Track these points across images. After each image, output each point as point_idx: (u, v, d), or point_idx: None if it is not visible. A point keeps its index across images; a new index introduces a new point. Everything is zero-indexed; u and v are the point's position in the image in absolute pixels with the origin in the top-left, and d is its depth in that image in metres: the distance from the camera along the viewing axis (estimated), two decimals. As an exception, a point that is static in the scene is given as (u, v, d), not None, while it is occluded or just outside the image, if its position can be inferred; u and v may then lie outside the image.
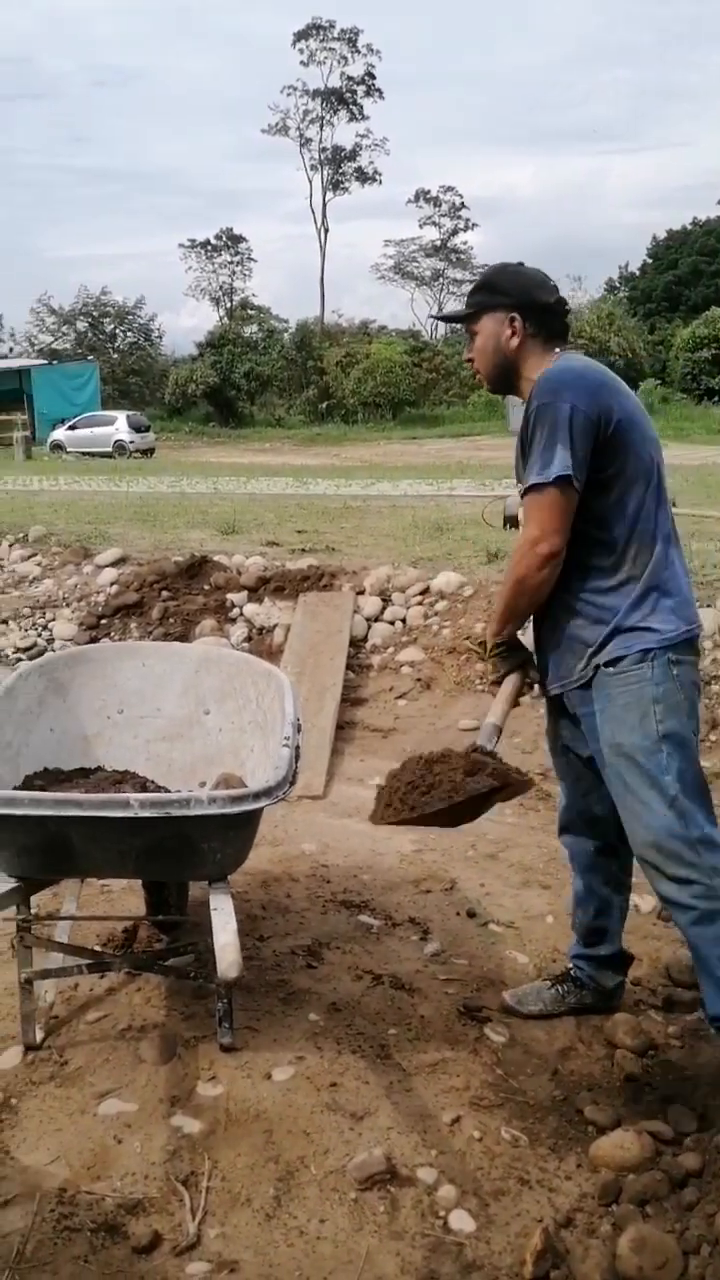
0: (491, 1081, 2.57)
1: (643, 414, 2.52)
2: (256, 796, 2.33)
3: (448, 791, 2.33)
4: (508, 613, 2.58)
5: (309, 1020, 2.72)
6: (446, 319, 2.94)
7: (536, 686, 2.72)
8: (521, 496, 2.48)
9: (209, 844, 2.39)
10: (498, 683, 2.71)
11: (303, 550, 8.02)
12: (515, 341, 2.55)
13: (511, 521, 8.81)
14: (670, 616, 2.44)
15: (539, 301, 2.56)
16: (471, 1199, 2.21)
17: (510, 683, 2.67)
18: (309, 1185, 2.21)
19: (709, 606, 5.82)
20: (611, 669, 2.46)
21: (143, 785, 2.87)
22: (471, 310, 2.61)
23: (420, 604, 6.73)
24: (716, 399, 36.84)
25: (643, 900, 3.56)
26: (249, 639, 6.71)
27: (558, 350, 2.57)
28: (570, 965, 2.89)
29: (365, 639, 6.53)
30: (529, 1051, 2.72)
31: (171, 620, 6.87)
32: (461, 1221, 2.15)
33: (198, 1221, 2.10)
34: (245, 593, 7.05)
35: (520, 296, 2.56)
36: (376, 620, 6.68)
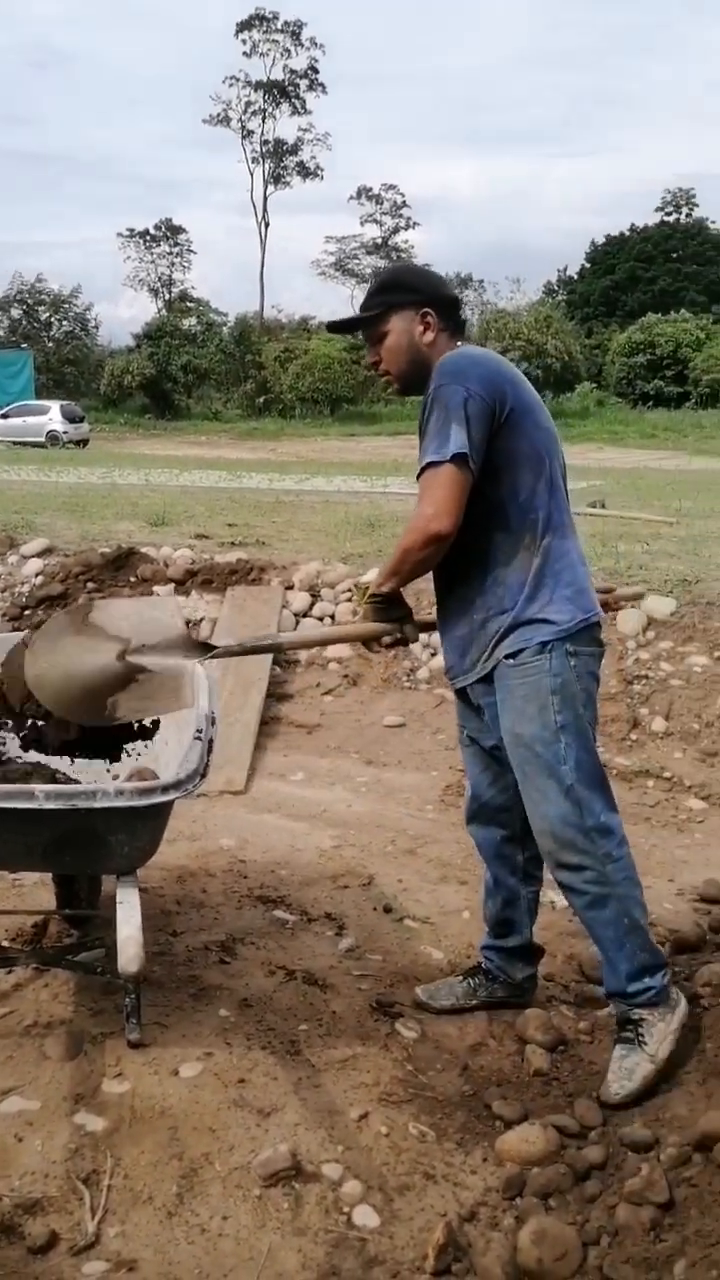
0: (401, 1077, 2.57)
1: (538, 404, 2.57)
2: (165, 789, 2.30)
3: None
4: (391, 572, 2.56)
5: (219, 1016, 2.69)
6: (349, 325, 2.82)
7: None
8: (417, 476, 2.47)
9: (117, 837, 2.36)
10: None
11: (232, 544, 7.97)
12: (429, 336, 2.56)
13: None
14: (567, 606, 2.49)
15: (446, 296, 2.60)
16: (376, 1194, 2.20)
17: (363, 626, 2.68)
18: (212, 1182, 2.18)
19: (634, 608, 5.88)
20: (511, 661, 2.51)
21: (52, 777, 2.82)
22: (379, 310, 2.57)
23: (349, 600, 6.71)
24: (651, 404, 37.40)
25: (559, 896, 3.59)
26: (175, 632, 6.64)
27: (459, 343, 2.60)
28: (481, 958, 2.91)
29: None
30: (440, 1047, 2.73)
31: (97, 612, 6.78)
32: (365, 1217, 2.14)
33: (97, 1220, 2.07)
34: (172, 585, 6.98)
35: (429, 292, 2.58)
36: (305, 615, 6.65)
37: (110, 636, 2.56)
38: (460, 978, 2.91)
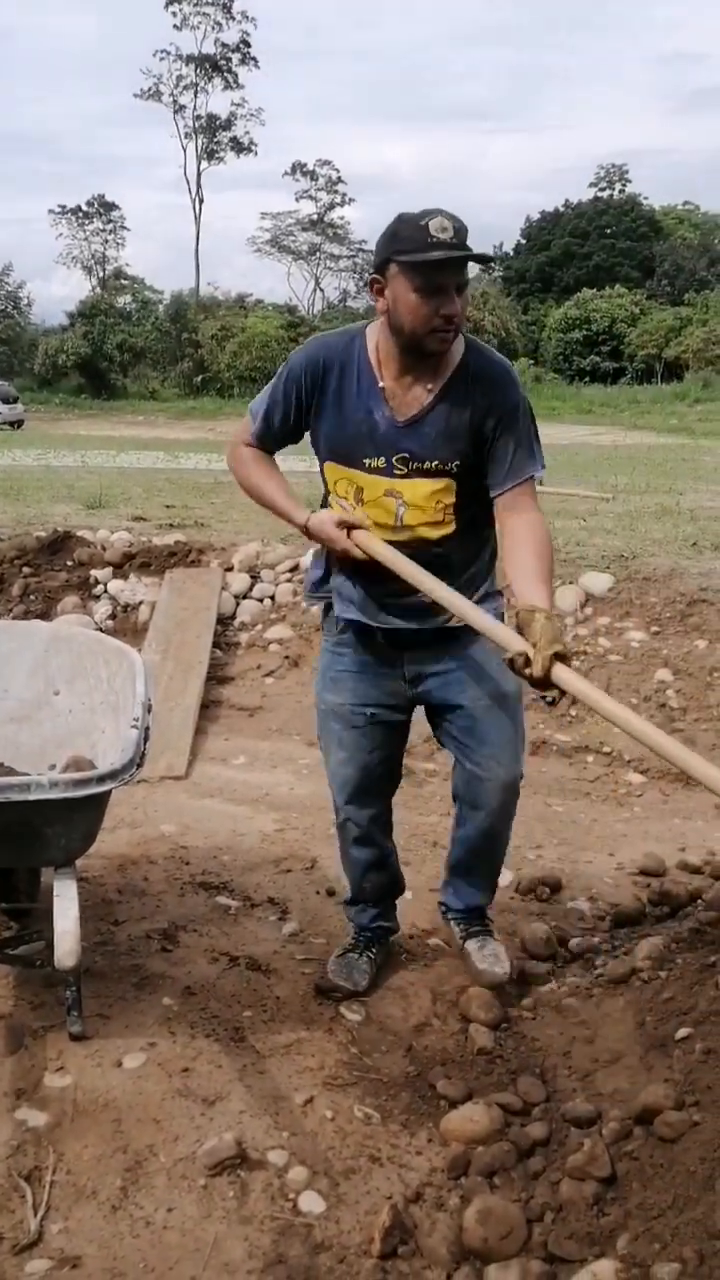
0: (346, 1060, 2.57)
1: None
2: (101, 779, 2.27)
3: None
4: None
5: (163, 1005, 2.67)
6: (461, 261, 2.34)
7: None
8: (524, 481, 2.50)
9: (52, 829, 2.32)
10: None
11: (171, 526, 7.89)
12: None
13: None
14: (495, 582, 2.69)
15: None
16: (322, 1179, 2.20)
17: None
18: (157, 1174, 2.17)
19: (571, 584, 5.93)
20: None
21: (-13, 769, 2.77)
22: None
23: (290, 581, 6.68)
24: (587, 379, 37.64)
25: (502, 875, 3.61)
26: (113, 616, 6.58)
27: None
28: (369, 930, 2.96)
29: (233, 616, 6.46)
30: (384, 1029, 2.73)
31: (33, 597, 6.68)
32: (311, 1203, 2.14)
33: (40, 1218, 2.04)
34: (110, 569, 6.90)
35: None
36: (245, 597, 6.61)
37: None
38: (356, 954, 2.90)
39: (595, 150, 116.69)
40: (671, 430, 23.43)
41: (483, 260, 2.65)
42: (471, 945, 2.90)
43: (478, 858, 2.89)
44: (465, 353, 2.47)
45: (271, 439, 2.67)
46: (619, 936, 3.16)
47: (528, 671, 2.26)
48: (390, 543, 2.52)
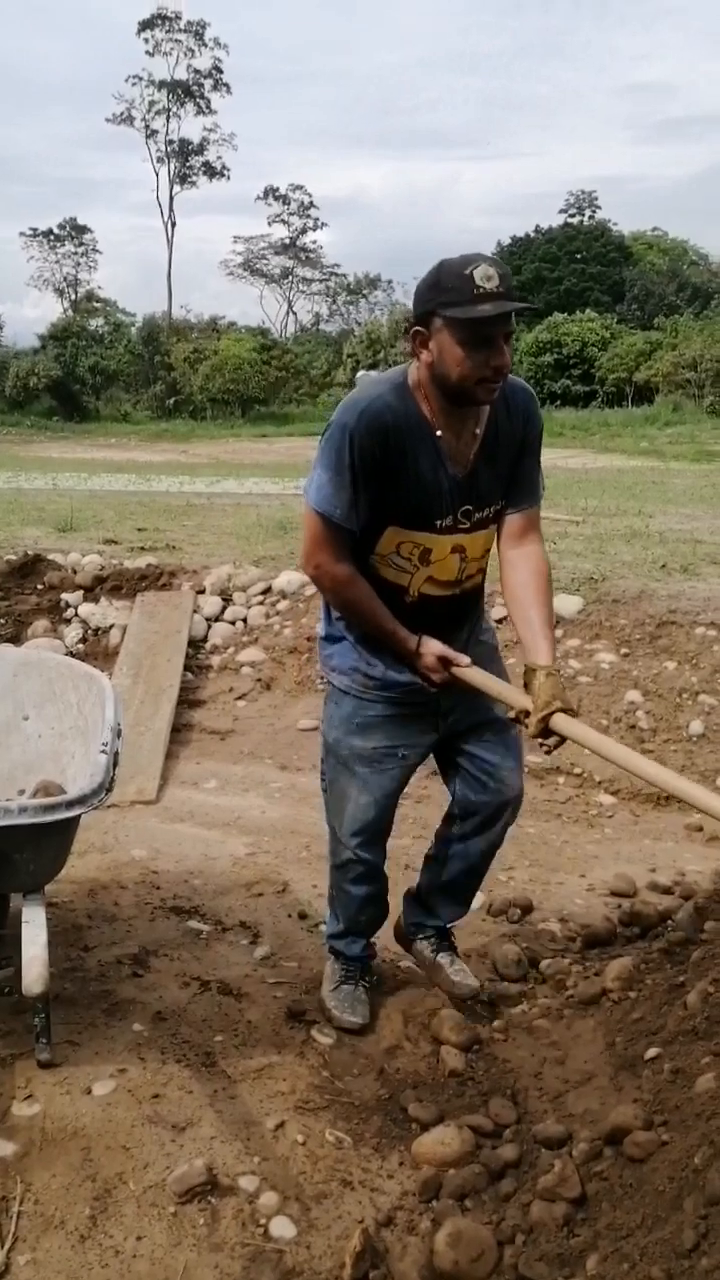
0: (318, 1084, 2.56)
1: None
2: (70, 805, 2.27)
3: None
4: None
5: (133, 1031, 2.66)
6: (505, 317, 2.23)
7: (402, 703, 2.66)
8: (528, 508, 2.53)
9: (21, 854, 2.31)
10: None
11: (142, 549, 7.89)
12: None
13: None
14: None
15: None
16: (293, 1204, 2.19)
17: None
18: (127, 1202, 2.15)
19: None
20: (495, 644, 2.79)
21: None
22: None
23: (261, 604, 6.70)
24: (558, 402, 37.90)
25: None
26: (84, 640, 6.56)
27: None
28: (356, 961, 2.93)
29: (205, 639, 6.46)
30: (356, 1052, 2.73)
31: (2, 621, 6.66)
32: (282, 1228, 2.13)
33: (7, 1249, 2.03)
34: (81, 592, 6.89)
35: None
36: (217, 620, 6.62)
37: None
38: (351, 985, 2.87)
39: (565, 177, 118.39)
40: (642, 453, 23.63)
41: (529, 311, 2.59)
42: (444, 959, 2.95)
43: (473, 875, 2.91)
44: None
45: (358, 522, 2.42)
46: (590, 957, 3.17)
47: (523, 729, 2.37)
48: (445, 598, 2.53)
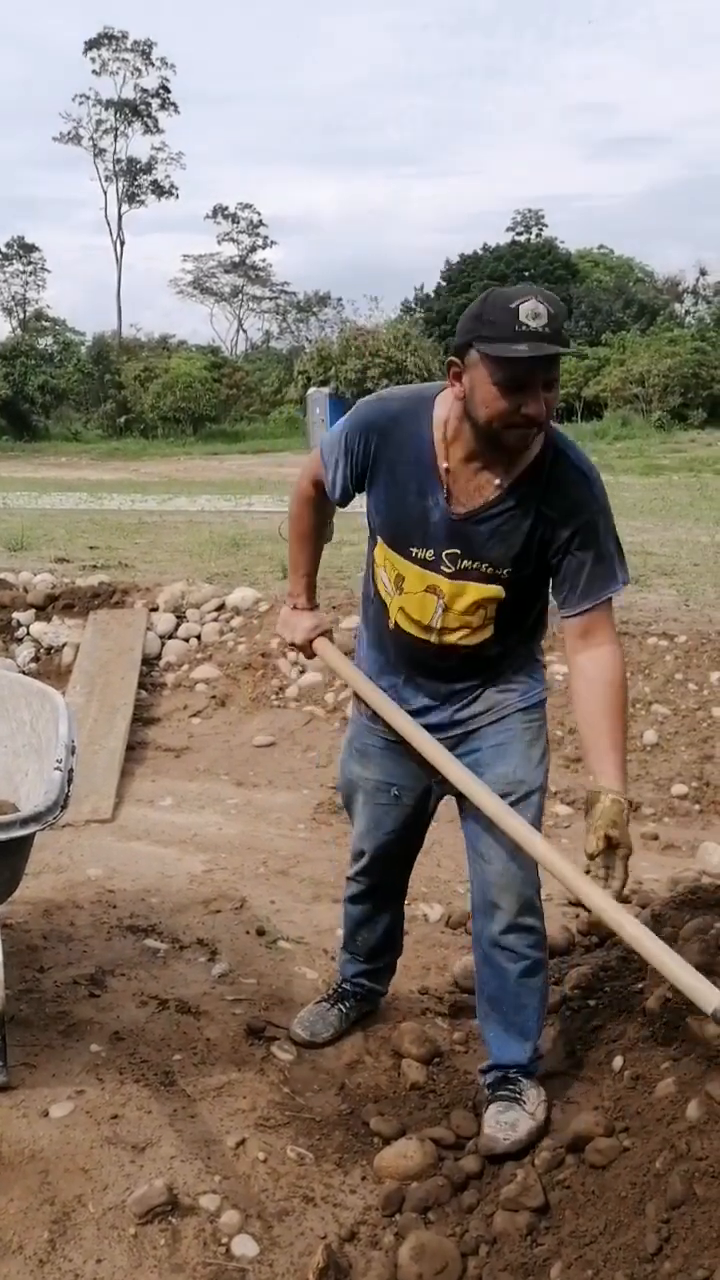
0: (278, 1101, 2.55)
1: None
2: (24, 822, 2.24)
3: None
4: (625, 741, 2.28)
5: (90, 1052, 2.63)
6: (552, 359, 2.08)
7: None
8: (588, 605, 2.25)
9: (-26, 874, 2.28)
10: None
11: (94, 567, 7.84)
12: None
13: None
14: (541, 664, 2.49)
15: None
16: (255, 1222, 2.17)
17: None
18: (86, 1225, 2.12)
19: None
20: (523, 707, 2.42)
21: None
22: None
23: (215, 620, 6.67)
24: (508, 418, 38.19)
25: (431, 909, 3.63)
26: (36, 659, 6.49)
27: None
28: (348, 984, 2.86)
29: (159, 657, 6.42)
30: (316, 1067, 2.71)
31: (-46, 641, 6.58)
32: (244, 1246, 2.11)
33: (-37, 1275, 1.99)
34: (32, 611, 6.82)
35: None
36: (170, 637, 6.58)
37: None
38: (328, 1005, 2.83)
39: (511, 195, 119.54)
40: (591, 467, 23.87)
41: (569, 354, 2.25)
42: (492, 1108, 2.40)
43: (504, 993, 2.46)
44: (545, 449, 2.19)
45: (336, 495, 2.44)
46: (549, 967, 3.18)
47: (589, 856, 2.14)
48: (417, 640, 2.36)
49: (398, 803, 2.57)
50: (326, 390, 31.90)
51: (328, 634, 2.73)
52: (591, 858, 2.14)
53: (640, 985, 2.67)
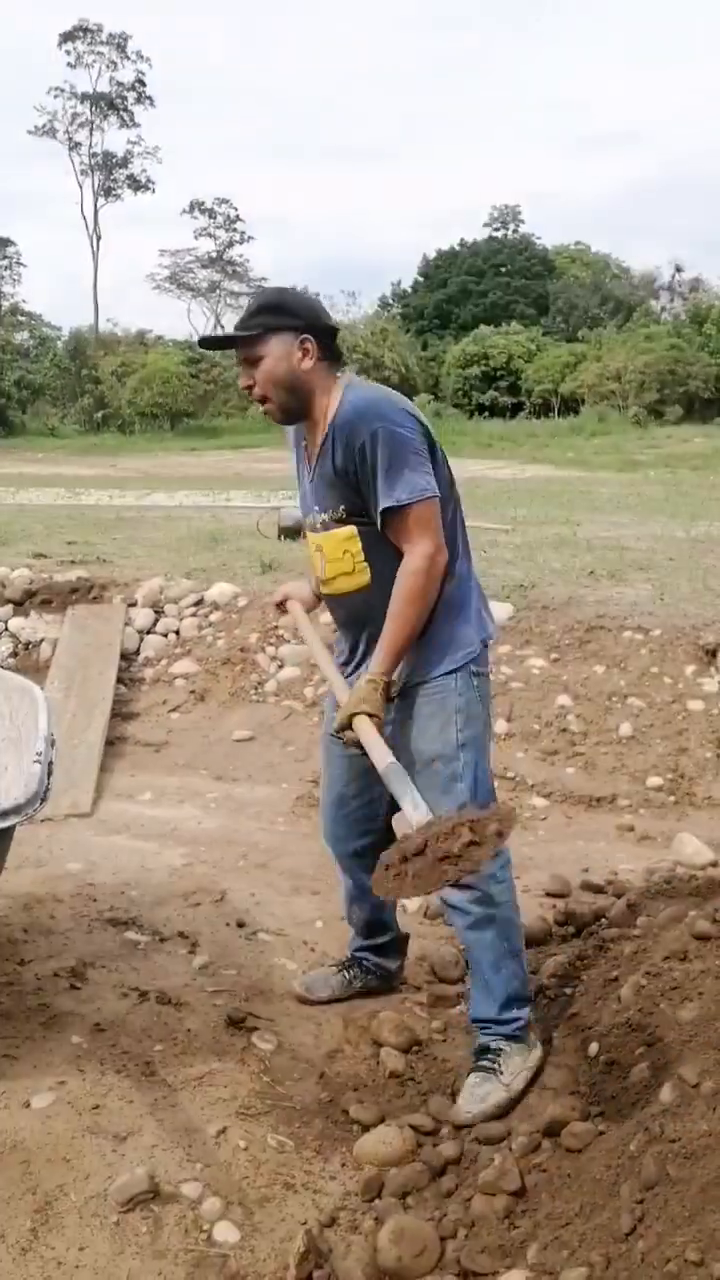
0: (259, 1090, 2.57)
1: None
2: (4, 814, 2.25)
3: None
4: (412, 635, 2.47)
5: (72, 1043, 2.64)
6: (223, 342, 2.67)
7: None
8: (382, 518, 2.45)
9: (-44, 867, 2.29)
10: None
11: (72, 562, 7.81)
12: (308, 364, 2.50)
13: (286, 532, 8.88)
14: (470, 631, 2.58)
15: (326, 324, 2.56)
16: (236, 1209, 2.19)
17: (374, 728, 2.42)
18: (69, 1214, 2.14)
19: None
20: (423, 681, 2.55)
21: None
22: (257, 332, 2.48)
23: (194, 615, 6.68)
24: (486, 414, 38.31)
25: (409, 900, 3.65)
26: (15, 654, 6.49)
27: (338, 374, 2.57)
28: (354, 954, 3.00)
29: (137, 652, 6.43)
30: (297, 1057, 2.74)
31: (-69, 637, 6.56)
32: (226, 1233, 2.13)
33: (-53, 1263, 2.00)
34: (10, 606, 6.81)
35: (310, 317, 2.52)
36: (149, 633, 6.58)
37: None
38: (335, 969, 3.00)
39: (489, 191, 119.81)
40: (569, 463, 23.96)
41: (212, 344, 2.82)
42: (471, 1078, 2.54)
43: (465, 948, 2.70)
44: (341, 399, 2.50)
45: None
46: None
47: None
48: (327, 597, 2.70)
49: (343, 754, 2.72)
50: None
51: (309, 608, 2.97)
52: (335, 734, 2.49)
53: (615, 973, 2.72)
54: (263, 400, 2.56)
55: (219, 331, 3.82)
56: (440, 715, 2.54)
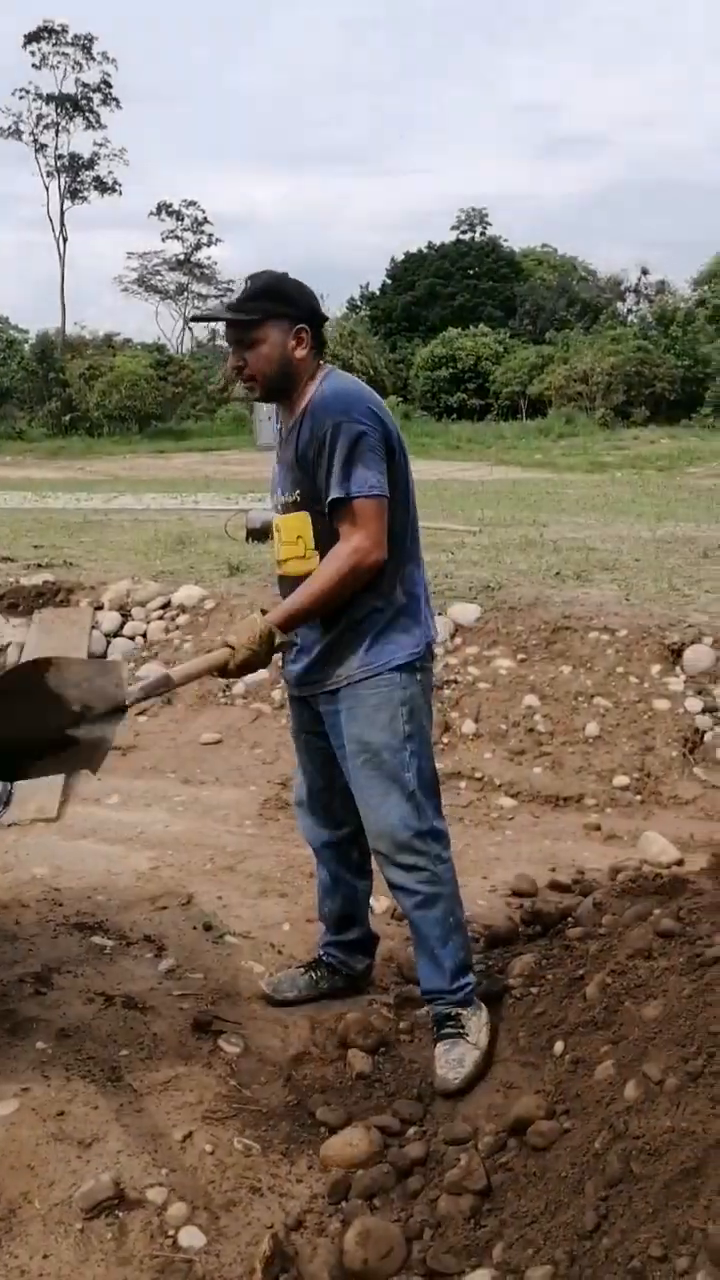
0: (225, 1093, 2.56)
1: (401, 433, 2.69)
2: (-34, 820, 2.23)
3: None
4: (315, 604, 2.55)
5: (36, 1049, 2.62)
6: (223, 319, 2.67)
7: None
8: (329, 508, 2.54)
9: None
10: (239, 671, 2.55)
11: (39, 565, 7.77)
12: (301, 352, 2.59)
13: (254, 534, 8.86)
14: (416, 629, 2.67)
15: (320, 315, 2.66)
16: (202, 1214, 2.19)
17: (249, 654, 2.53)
18: (32, 1222, 2.12)
19: (440, 615, 6.04)
20: (367, 678, 2.63)
21: None
22: (257, 317, 2.54)
23: (161, 618, 6.66)
24: (455, 416, 38.37)
25: (377, 901, 3.65)
26: (-20, 659, 6.43)
27: (321, 362, 2.66)
28: (321, 953, 3.03)
29: (105, 655, 6.39)
30: (263, 1060, 2.73)
31: None
32: (192, 1238, 2.13)
33: None
34: (-24, 611, 6.76)
35: (307, 308, 2.61)
36: (116, 636, 6.55)
37: (60, 706, 2.43)
38: (302, 970, 3.02)
39: (456, 194, 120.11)
40: (536, 465, 24.06)
41: (233, 320, 2.65)
42: (439, 1047, 2.64)
43: (412, 926, 2.75)
44: (319, 387, 2.59)
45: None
46: (493, 957, 3.22)
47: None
48: (280, 578, 2.74)
49: (309, 747, 2.88)
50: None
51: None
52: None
53: (581, 972, 2.72)
54: (250, 379, 2.60)
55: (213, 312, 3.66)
56: (387, 707, 2.62)
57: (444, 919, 2.68)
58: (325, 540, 2.58)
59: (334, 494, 2.51)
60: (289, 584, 2.67)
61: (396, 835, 2.64)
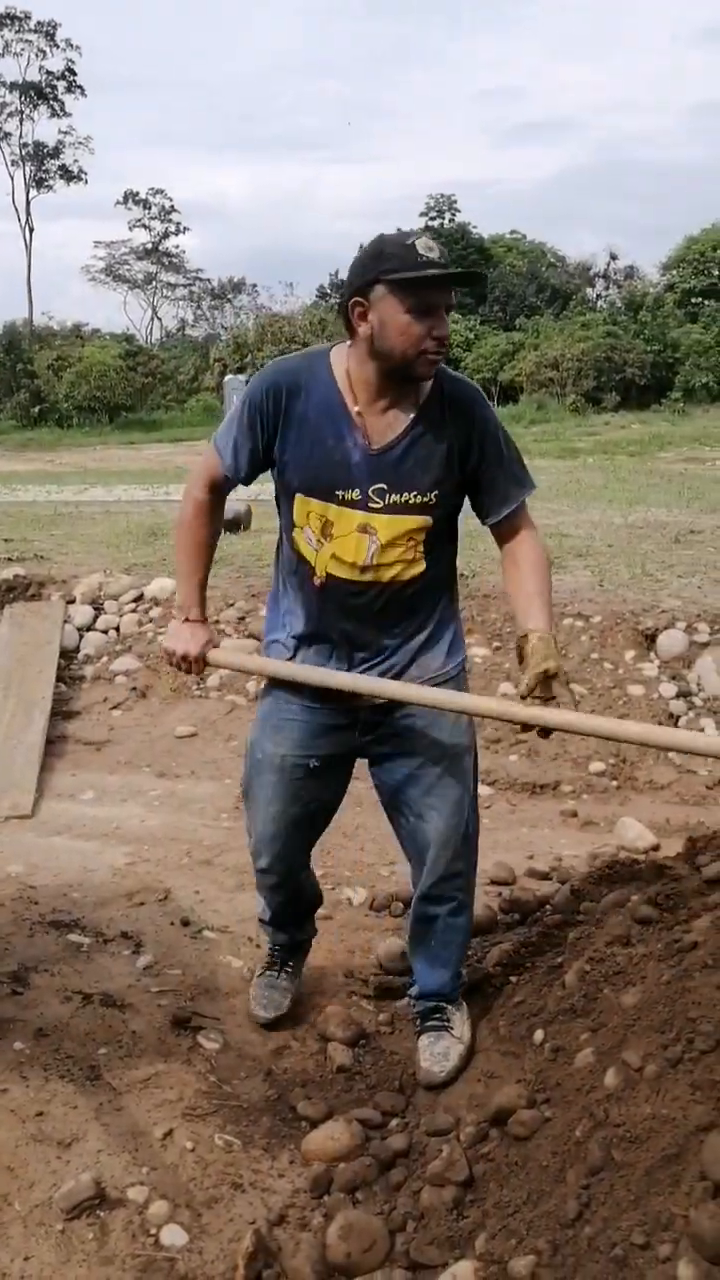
0: (205, 1090, 2.55)
1: None
2: (-63, 821, 2.20)
3: None
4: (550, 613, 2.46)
5: (13, 1050, 2.60)
6: (463, 278, 2.39)
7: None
8: (508, 509, 2.45)
9: None
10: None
11: (9, 559, 7.69)
12: None
13: (227, 525, 8.80)
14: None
15: None
16: (184, 1211, 2.18)
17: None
18: (12, 1224, 2.11)
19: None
20: (452, 676, 2.54)
21: None
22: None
23: (134, 611, 6.61)
24: (426, 403, 38.32)
25: (355, 893, 3.65)
26: (-49, 655, 6.36)
27: None
28: (277, 948, 2.95)
29: (77, 649, 6.35)
30: (243, 1055, 2.72)
31: None
32: (174, 1236, 2.12)
33: None
34: (-54, 606, 6.68)
35: None
36: (89, 630, 6.51)
37: None
38: (274, 974, 2.93)
39: (424, 180, 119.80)
40: (508, 451, 24.05)
41: (475, 280, 2.43)
42: (422, 1040, 2.64)
43: (431, 935, 2.67)
44: (438, 378, 2.37)
45: (243, 474, 2.48)
46: (472, 946, 3.22)
47: (522, 702, 2.30)
48: (354, 586, 2.40)
49: (313, 775, 2.60)
50: (243, 377, 31.61)
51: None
52: (524, 697, 2.31)
53: (560, 960, 2.73)
54: (440, 355, 2.30)
55: (449, 270, 2.11)
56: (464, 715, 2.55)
57: (467, 927, 2.71)
58: (437, 542, 2.43)
59: (525, 491, 2.45)
60: (377, 594, 2.41)
61: (456, 842, 2.57)
